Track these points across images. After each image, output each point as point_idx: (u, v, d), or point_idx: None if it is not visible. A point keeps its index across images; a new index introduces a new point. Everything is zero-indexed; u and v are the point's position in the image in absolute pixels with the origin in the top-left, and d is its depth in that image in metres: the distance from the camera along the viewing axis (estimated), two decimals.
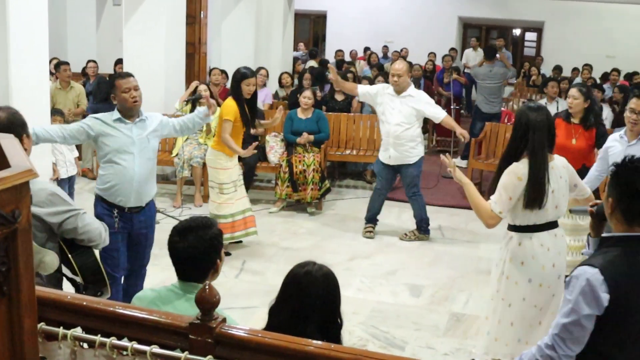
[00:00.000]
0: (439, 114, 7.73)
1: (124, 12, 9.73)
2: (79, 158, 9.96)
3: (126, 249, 5.21)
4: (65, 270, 3.86)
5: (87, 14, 15.34)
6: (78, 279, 3.85)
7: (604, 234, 2.96)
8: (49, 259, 3.65)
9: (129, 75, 5.22)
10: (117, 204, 5.09)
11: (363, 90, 7.89)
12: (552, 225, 4.37)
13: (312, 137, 8.92)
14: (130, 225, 5.16)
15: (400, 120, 7.58)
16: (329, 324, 2.98)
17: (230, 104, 6.99)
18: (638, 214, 2.78)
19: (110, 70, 13.21)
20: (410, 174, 7.80)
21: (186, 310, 2.99)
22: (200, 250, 3.13)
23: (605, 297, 2.69)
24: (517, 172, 4.24)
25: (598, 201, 3.16)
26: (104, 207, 5.11)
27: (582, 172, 6.48)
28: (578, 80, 15.25)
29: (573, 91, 6.73)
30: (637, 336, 2.81)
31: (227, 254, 7.16)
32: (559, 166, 4.34)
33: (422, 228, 8.05)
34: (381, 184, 7.95)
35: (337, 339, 2.99)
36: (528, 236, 4.35)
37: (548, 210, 4.26)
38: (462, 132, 7.71)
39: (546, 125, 4.28)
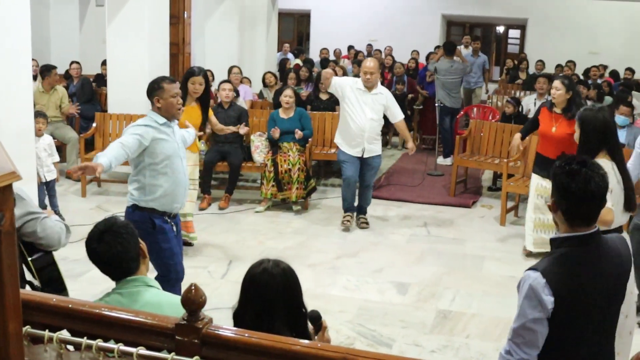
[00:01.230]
0: (398, 115, 8.14)
1: (107, 12, 9.68)
2: (64, 159, 9.95)
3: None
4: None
5: (70, 15, 15.26)
6: (36, 282, 3.82)
7: (551, 236, 3.00)
8: None
9: (174, 80, 5.14)
10: (169, 211, 5.04)
11: (335, 82, 8.05)
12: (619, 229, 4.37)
13: (301, 133, 8.92)
14: (177, 227, 5.19)
15: (372, 115, 7.92)
16: (294, 316, 2.99)
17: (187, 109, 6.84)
18: (576, 215, 2.84)
19: (94, 72, 13.15)
20: (377, 163, 8.23)
21: (127, 303, 3.03)
22: (121, 243, 3.18)
23: (549, 300, 2.74)
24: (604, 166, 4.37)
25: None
26: (156, 217, 4.99)
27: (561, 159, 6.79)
28: None
29: (556, 82, 7.08)
30: (594, 329, 2.87)
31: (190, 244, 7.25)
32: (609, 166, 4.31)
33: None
34: (351, 170, 8.09)
35: (304, 329, 3.02)
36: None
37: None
38: (411, 147, 8.23)
39: (599, 132, 4.40)
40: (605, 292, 2.84)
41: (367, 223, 8.30)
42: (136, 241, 3.27)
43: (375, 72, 7.86)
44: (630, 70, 15.01)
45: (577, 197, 2.79)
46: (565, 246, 2.86)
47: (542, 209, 7.28)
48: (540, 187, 7.14)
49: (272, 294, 2.93)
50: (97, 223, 3.33)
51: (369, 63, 7.93)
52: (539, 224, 7.33)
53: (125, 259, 3.20)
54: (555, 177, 2.89)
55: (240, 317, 2.97)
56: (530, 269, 2.84)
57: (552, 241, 2.94)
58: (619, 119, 8.23)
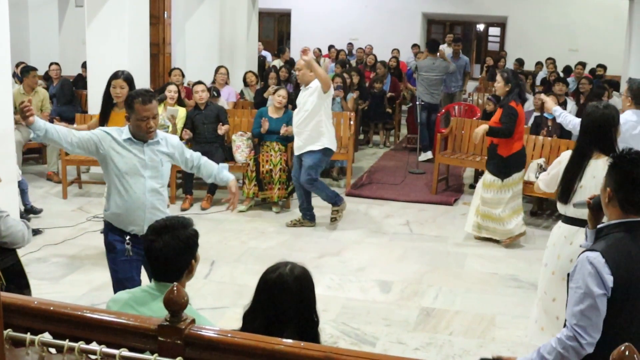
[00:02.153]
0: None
1: (86, 13, 9.62)
2: (44, 161, 9.90)
3: (140, 278, 4.67)
4: None
5: (49, 16, 15.18)
6: None
7: (599, 226, 3.09)
8: None
9: (150, 100, 4.52)
10: (125, 230, 4.61)
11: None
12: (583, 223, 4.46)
13: (291, 128, 8.69)
14: (140, 251, 4.52)
15: (299, 110, 8.03)
16: (306, 324, 2.95)
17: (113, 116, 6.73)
18: (634, 203, 2.94)
19: (73, 73, 13.08)
20: (306, 162, 8.03)
21: (160, 311, 2.98)
22: (175, 250, 3.12)
23: (609, 279, 2.82)
24: (564, 156, 4.73)
25: (596, 193, 3.28)
26: (114, 234, 4.63)
27: (490, 150, 7.63)
28: (542, 74, 15.41)
29: (497, 76, 7.60)
30: None
31: None
32: (599, 165, 4.43)
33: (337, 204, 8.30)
34: (294, 171, 8.28)
35: (315, 337, 2.98)
36: (558, 225, 4.72)
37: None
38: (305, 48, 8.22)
39: (594, 126, 4.52)
40: None
41: (334, 218, 8.27)
42: (192, 255, 3.21)
43: (302, 68, 7.90)
44: (602, 66, 15.04)
45: (638, 182, 2.90)
46: (617, 231, 2.95)
47: (485, 200, 7.66)
48: (486, 179, 7.65)
49: (284, 302, 2.88)
50: (168, 217, 3.30)
51: (300, 61, 8.06)
52: (480, 212, 7.73)
53: (171, 266, 3.15)
54: (615, 167, 2.98)
55: (251, 321, 2.92)
56: (587, 250, 2.92)
57: (601, 230, 3.02)
58: None
